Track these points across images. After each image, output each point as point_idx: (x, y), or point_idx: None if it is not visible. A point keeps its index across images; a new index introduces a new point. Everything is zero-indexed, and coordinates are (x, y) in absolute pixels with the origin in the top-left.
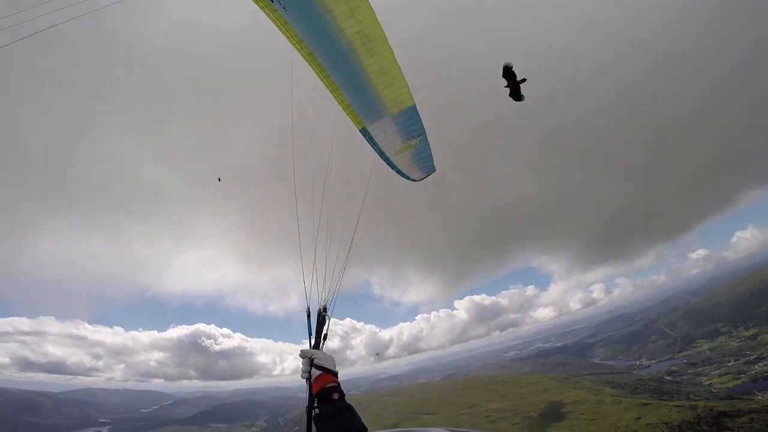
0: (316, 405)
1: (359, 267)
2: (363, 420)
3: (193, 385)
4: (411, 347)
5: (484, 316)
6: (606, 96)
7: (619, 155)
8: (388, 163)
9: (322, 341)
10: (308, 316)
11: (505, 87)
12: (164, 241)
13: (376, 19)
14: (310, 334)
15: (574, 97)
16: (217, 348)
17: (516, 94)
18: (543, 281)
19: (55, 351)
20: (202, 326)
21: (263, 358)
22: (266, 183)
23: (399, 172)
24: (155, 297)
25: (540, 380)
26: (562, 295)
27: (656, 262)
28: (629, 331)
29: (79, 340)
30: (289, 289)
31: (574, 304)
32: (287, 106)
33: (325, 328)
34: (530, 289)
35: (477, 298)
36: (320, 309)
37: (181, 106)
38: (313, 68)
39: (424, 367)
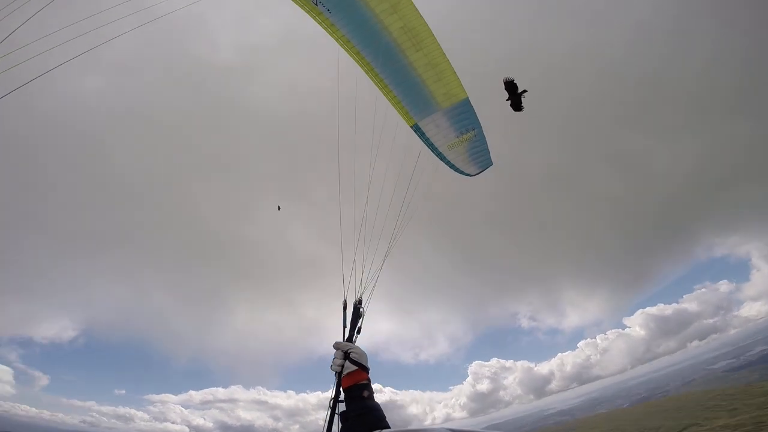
0: (342, 399)
1: (503, 301)
2: None
3: None
4: (581, 377)
5: (668, 328)
6: None
7: None
8: (441, 159)
9: (355, 335)
10: (344, 308)
11: (506, 100)
12: (325, 303)
13: (419, 13)
14: (344, 326)
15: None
16: None
17: (516, 106)
18: (738, 271)
19: (246, 415)
20: None
21: (414, 409)
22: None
23: (453, 167)
24: (322, 358)
25: None
26: None
27: None
28: None
29: (261, 404)
30: (437, 334)
31: None
32: (401, 145)
33: (360, 321)
34: (723, 285)
35: (652, 310)
36: (355, 302)
37: (315, 172)
38: (362, 67)
39: (600, 397)
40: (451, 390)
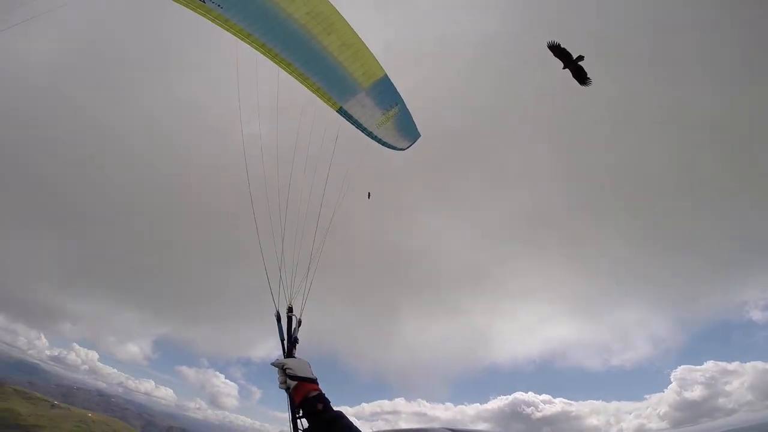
0: (300, 416)
1: (721, 290)
2: None
3: None
4: None
5: None
6: None
7: None
8: (372, 138)
9: (294, 346)
10: (278, 320)
11: (563, 69)
12: (493, 307)
13: None
14: (282, 339)
15: None
16: (538, 415)
17: (580, 76)
18: None
19: (406, 427)
20: (519, 395)
21: (594, 421)
22: (575, 219)
23: (386, 144)
24: (488, 367)
25: None
26: None
27: None
28: None
29: (421, 416)
30: (634, 336)
31: None
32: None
33: (296, 330)
34: None
35: None
36: (286, 311)
37: (459, 169)
38: (270, 59)
39: None
40: (646, 399)
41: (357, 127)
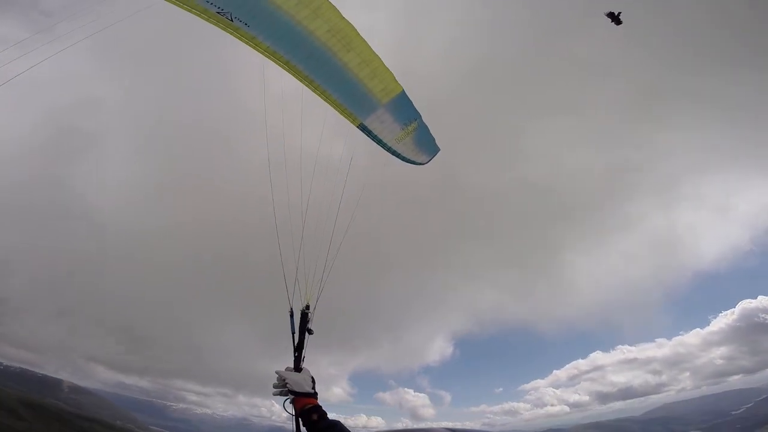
0: (303, 424)
1: None
2: None
3: None
4: None
5: None
6: None
7: None
8: (392, 153)
9: (303, 351)
10: (291, 316)
11: (612, 22)
12: (669, 203)
13: (342, 15)
14: (293, 333)
15: None
16: None
17: (618, 21)
18: None
19: (618, 378)
20: (747, 303)
21: None
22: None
23: (405, 159)
24: (692, 279)
25: None
26: None
27: None
28: None
29: (630, 363)
30: None
31: None
32: None
33: (308, 327)
34: None
35: None
36: (302, 309)
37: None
38: (294, 76)
39: None
40: None
41: (377, 143)
